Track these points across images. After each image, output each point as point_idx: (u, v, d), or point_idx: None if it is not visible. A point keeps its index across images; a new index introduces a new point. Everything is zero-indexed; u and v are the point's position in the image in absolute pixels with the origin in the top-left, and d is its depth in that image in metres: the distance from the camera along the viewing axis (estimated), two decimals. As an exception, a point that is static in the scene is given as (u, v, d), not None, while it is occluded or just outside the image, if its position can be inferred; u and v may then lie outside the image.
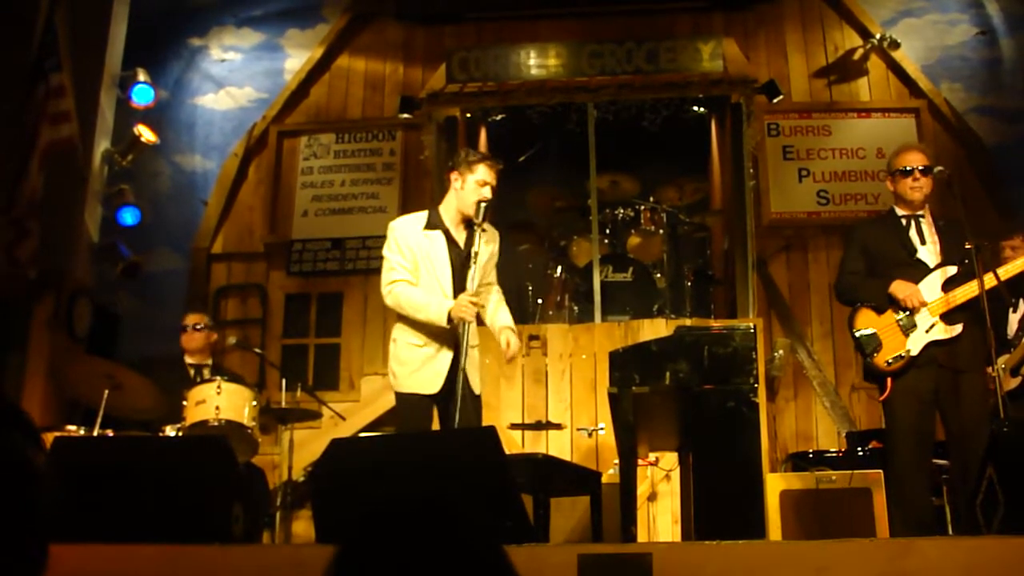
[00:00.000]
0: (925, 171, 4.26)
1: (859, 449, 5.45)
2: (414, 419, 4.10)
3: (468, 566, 1.10)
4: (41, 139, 5.80)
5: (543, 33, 7.67)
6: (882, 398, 4.19)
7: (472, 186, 4.10)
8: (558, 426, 5.62)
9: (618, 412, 3.89)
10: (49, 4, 6.00)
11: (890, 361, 4.14)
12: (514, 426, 5.71)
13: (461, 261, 4.12)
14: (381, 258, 4.28)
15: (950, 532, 4.50)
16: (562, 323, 6.39)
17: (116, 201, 6.92)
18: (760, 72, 7.32)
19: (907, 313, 4.16)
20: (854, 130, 7.49)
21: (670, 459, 5.20)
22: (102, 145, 6.81)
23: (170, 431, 4.99)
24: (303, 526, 6.29)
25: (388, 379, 4.34)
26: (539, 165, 7.62)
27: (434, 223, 4.18)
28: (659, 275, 6.83)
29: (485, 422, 4.27)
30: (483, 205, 4.07)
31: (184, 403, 5.00)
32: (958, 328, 4.09)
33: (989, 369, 4.09)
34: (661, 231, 6.95)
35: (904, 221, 4.32)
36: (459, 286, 4.07)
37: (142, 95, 6.99)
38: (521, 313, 6.34)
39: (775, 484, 4.80)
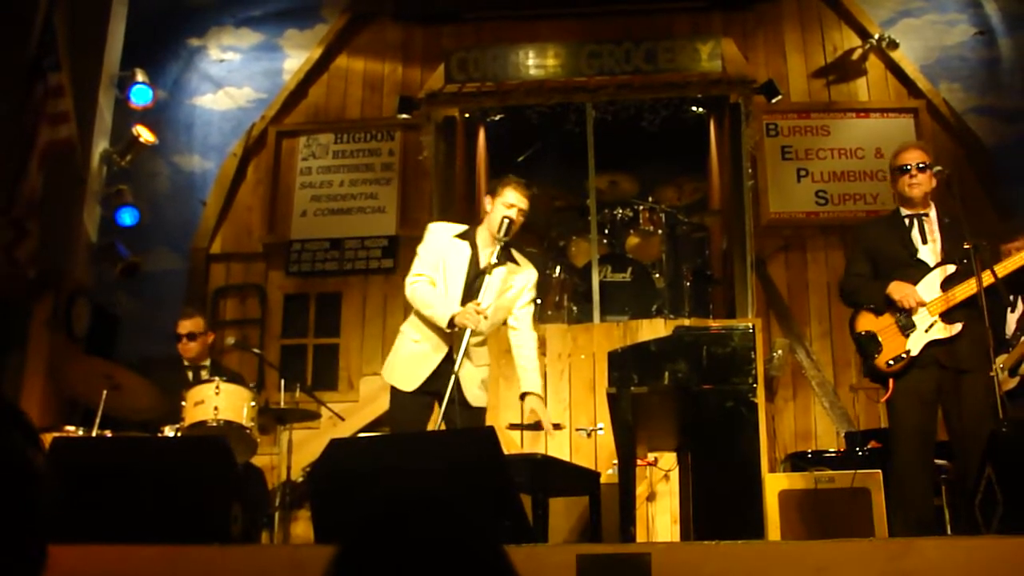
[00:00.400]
0: (922, 167, 4.27)
1: (858, 449, 5.44)
2: (395, 408, 4.29)
3: (468, 566, 1.10)
4: (40, 139, 5.80)
5: (542, 33, 7.67)
6: (884, 399, 4.19)
7: (500, 208, 4.24)
8: (557, 426, 5.61)
9: (617, 412, 3.89)
10: (48, 4, 6.00)
11: (891, 362, 4.14)
12: (513, 426, 5.70)
13: (476, 275, 4.21)
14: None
15: (949, 532, 4.50)
16: (561, 323, 6.39)
17: (115, 201, 6.92)
18: (759, 72, 7.32)
19: (905, 314, 4.16)
20: (853, 130, 7.49)
21: (669, 459, 5.20)
22: (101, 145, 6.81)
23: (169, 431, 4.98)
24: (302, 526, 6.29)
25: (388, 383, 4.38)
26: (538, 165, 7.61)
27: (466, 235, 4.33)
28: (658, 275, 6.83)
29: (484, 422, 4.28)
30: (506, 221, 4.17)
31: (183, 403, 4.99)
32: (958, 327, 4.09)
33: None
34: (660, 231, 6.95)
35: (907, 221, 4.32)
36: (468, 298, 4.16)
37: (141, 95, 6.99)
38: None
39: (774, 484, 4.80)
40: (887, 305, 4.22)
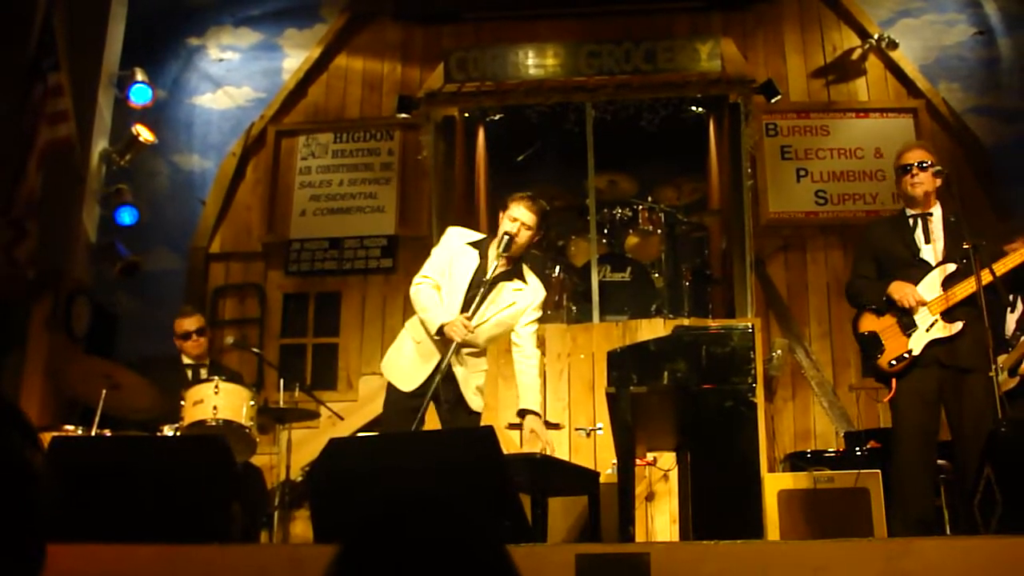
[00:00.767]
0: (923, 166, 4.27)
1: (857, 449, 5.44)
2: (387, 407, 4.29)
3: (467, 566, 1.10)
4: (39, 139, 5.80)
5: (541, 33, 7.66)
6: (887, 399, 4.20)
7: (505, 223, 4.24)
8: (556, 426, 5.61)
9: (616, 412, 3.89)
10: (47, 4, 6.00)
11: (893, 362, 4.15)
12: (512, 426, 5.70)
13: (477, 286, 4.19)
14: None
15: (948, 532, 4.50)
16: (560, 323, 6.38)
17: (114, 201, 6.91)
18: (758, 72, 7.32)
19: (906, 314, 4.17)
20: (852, 130, 7.49)
21: (668, 459, 5.20)
22: (100, 145, 6.81)
23: (168, 431, 4.98)
24: (301, 526, 6.29)
25: (386, 379, 4.38)
26: (537, 165, 7.62)
27: (479, 245, 4.33)
28: (657, 275, 6.83)
29: (484, 422, 4.29)
30: (507, 237, 4.17)
31: (182, 403, 5.00)
32: (958, 326, 4.10)
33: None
34: (659, 231, 6.94)
35: (911, 221, 4.33)
36: (465, 308, 4.16)
37: (140, 95, 6.99)
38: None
39: (773, 484, 4.80)
40: (888, 305, 4.23)
